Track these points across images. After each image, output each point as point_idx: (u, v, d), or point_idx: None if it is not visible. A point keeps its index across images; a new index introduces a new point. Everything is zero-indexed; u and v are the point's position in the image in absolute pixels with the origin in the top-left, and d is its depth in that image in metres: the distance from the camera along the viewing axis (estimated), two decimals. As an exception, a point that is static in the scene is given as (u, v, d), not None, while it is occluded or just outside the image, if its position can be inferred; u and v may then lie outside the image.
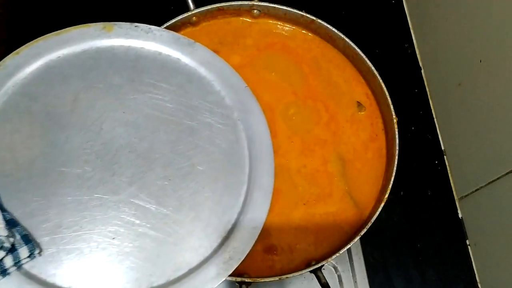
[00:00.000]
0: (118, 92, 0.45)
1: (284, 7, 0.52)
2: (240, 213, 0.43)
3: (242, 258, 0.41)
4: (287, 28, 0.55)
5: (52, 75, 0.45)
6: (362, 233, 0.46)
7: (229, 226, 0.42)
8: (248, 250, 0.42)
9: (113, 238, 0.40)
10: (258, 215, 0.43)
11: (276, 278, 0.44)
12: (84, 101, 0.44)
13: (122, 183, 0.42)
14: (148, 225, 0.41)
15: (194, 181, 0.43)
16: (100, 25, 0.47)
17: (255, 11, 0.53)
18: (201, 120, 0.46)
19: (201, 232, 0.42)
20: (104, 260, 0.39)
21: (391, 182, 0.48)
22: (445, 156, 0.64)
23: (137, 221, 0.41)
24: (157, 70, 0.47)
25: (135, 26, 0.48)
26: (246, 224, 0.43)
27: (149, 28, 0.48)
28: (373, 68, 0.51)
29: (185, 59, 0.48)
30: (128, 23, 0.48)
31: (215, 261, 0.41)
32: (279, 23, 0.55)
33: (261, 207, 0.44)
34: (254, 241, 0.42)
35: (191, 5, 0.51)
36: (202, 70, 0.48)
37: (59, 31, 0.46)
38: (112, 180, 0.42)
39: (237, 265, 0.41)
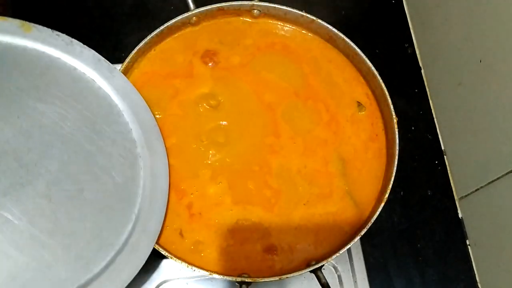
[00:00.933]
0: (18, 95, 0.41)
1: (284, 7, 0.52)
2: (117, 253, 0.41)
3: None
4: (287, 28, 0.55)
5: None
6: (362, 233, 0.46)
7: (103, 264, 0.40)
8: None
9: None
10: (135, 261, 0.41)
11: (276, 278, 0.44)
12: None
13: None
14: (12, 244, 0.37)
15: (77, 208, 0.40)
16: (17, 22, 0.43)
17: (255, 11, 0.53)
18: (102, 147, 0.43)
19: (71, 264, 0.38)
20: None
21: (391, 182, 0.48)
22: (445, 156, 0.64)
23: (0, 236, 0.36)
24: (67, 84, 0.44)
25: (56, 35, 0.45)
26: (120, 267, 0.40)
27: (71, 41, 0.45)
28: (373, 68, 0.51)
29: (101, 82, 0.46)
30: (49, 29, 0.45)
31: None
32: (279, 23, 0.55)
33: (141, 253, 0.41)
34: None
35: (191, 5, 0.51)
36: (115, 98, 0.46)
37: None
38: None
39: None
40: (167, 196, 0.45)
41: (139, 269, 0.41)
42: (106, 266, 0.40)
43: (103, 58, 0.47)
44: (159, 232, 0.44)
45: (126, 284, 0.40)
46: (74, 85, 0.44)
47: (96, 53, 0.47)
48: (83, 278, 0.38)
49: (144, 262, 0.42)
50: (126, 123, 0.45)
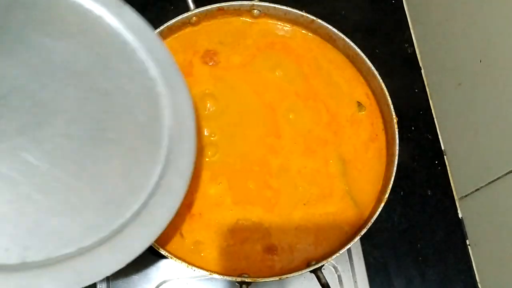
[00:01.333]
0: (22, 28, 0.37)
1: (284, 7, 0.52)
2: (150, 196, 0.38)
3: (140, 251, 0.35)
4: (287, 28, 0.55)
5: None
6: (362, 233, 0.46)
7: (135, 208, 0.37)
8: (147, 246, 0.36)
9: None
10: (170, 203, 0.38)
11: (276, 278, 0.44)
12: None
13: (10, 130, 0.33)
14: (34, 186, 0.33)
15: (101, 148, 0.37)
16: None
17: (255, 11, 0.53)
18: (119, 85, 0.39)
19: (100, 208, 0.35)
20: None
21: (391, 182, 0.48)
22: (445, 156, 0.64)
23: (20, 178, 0.32)
24: (74, 21, 0.40)
25: None
26: (154, 211, 0.37)
27: None
28: (373, 68, 0.51)
29: (110, 19, 0.42)
30: None
31: (110, 247, 0.34)
32: (279, 23, 0.55)
33: (175, 194, 0.39)
34: (158, 234, 0.37)
35: (191, 5, 0.51)
36: (127, 35, 0.42)
37: None
38: None
39: (131, 260, 0.35)
40: (195, 135, 0.42)
41: (175, 212, 0.38)
42: (139, 210, 0.37)
43: None
44: (191, 173, 0.41)
45: (162, 229, 0.37)
46: (81, 22, 0.40)
47: None
48: (115, 223, 0.35)
49: (179, 204, 0.39)
50: (142, 61, 0.42)
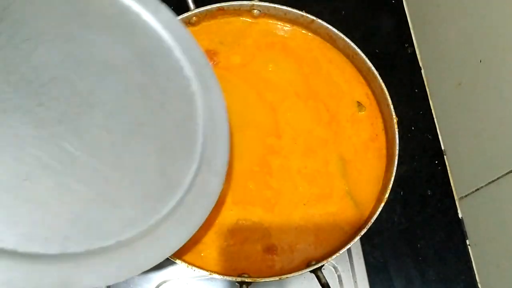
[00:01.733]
0: (62, 17, 0.37)
1: (284, 7, 0.52)
2: (186, 193, 0.38)
3: (176, 248, 0.35)
4: (287, 28, 0.55)
5: None
6: (362, 233, 0.46)
7: (171, 205, 0.37)
8: (183, 243, 0.36)
9: (25, 179, 0.30)
10: (205, 202, 0.39)
11: (276, 278, 0.44)
12: (16, 14, 0.34)
13: (49, 118, 0.33)
14: (73, 176, 0.32)
15: (139, 142, 0.37)
16: None
17: (255, 11, 0.53)
18: (156, 82, 0.40)
19: (138, 203, 0.35)
20: (7, 204, 0.29)
21: (391, 182, 0.48)
22: (445, 156, 0.64)
23: (60, 168, 0.32)
24: (112, 15, 0.40)
25: None
26: (190, 209, 0.37)
27: None
28: (373, 68, 0.51)
29: (147, 16, 0.42)
30: None
31: (148, 242, 0.34)
32: (279, 23, 0.55)
33: (210, 192, 0.39)
34: (194, 232, 0.37)
35: (191, 5, 0.51)
36: (163, 33, 0.42)
37: None
38: (36, 111, 0.32)
39: (167, 256, 0.35)
40: (229, 136, 0.43)
41: (210, 210, 0.39)
42: (175, 207, 0.37)
43: None
44: (225, 172, 0.41)
45: (198, 227, 0.38)
46: (119, 17, 0.40)
47: None
48: (153, 219, 0.35)
49: (214, 203, 0.39)
50: (177, 60, 0.42)
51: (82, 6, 0.38)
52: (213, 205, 0.40)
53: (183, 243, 0.37)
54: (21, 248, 0.29)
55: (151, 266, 0.34)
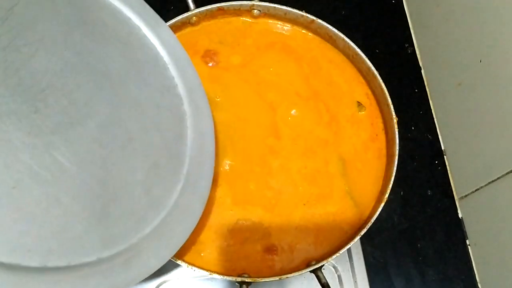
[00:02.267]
0: (65, 24, 0.36)
1: (284, 7, 0.52)
2: (169, 214, 0.38)
3: (156, 268, 0.35)
4: (287, 28, 0.55)
5: None
6: (362, 233, 0.46)
7: (154, 224, 0.36)
8: (162, 264, 0.36)
9: (14, 187, 0.29)
10: (188, 222, 0.39)
11: (276, 278, 0.44)
12: (20, 17, 0.33)
13: (44, 127, 0.32)
14: (63, 188, 0.32)
15: (128, 158, 0.36)
16: None
17: (255, 11, 0.53)
18: (149, 97, 0.40)
19: (122, 220, 0.35)
20: None
21: (391, 182, 0.48)
22: (445, 156, 0.64)
23: (50, 178, 0.31)
24: (113, 26, 0.40)
25: None
26: (172, 229, 0.37)
27: None
28: (373, 68, 0.51)
29: (146, 31, 0.42)
30: None
31: (127, 261, 0.34)
32: (279, 23, 0.55)
33: (192, 214, 0.40)
34: (174, 253, 0.37)
35: (191, 5, 0.51)
36: (161, 49, 0.43)
37: None
38: (31, 117, 0.32)
39: (145, 277, 0.34)
40: (214, 159, 0.43)
41: (191, 232, 0.39)
42: (158, 227, 0.37)
43: (149, 6, 0.44)
44: (207, 195, 0.41)
45: (178, 248, 0.38)
46: (120, 28, 0.40)
47: (143, 1, 0.43)
48: (135, 237, 0.35)
49: (195, 225, 0.39)
50: (172, 78, 0.42)
51: (85, 13, 0.39)
52: (194, 227, 0.40)
53: (162, 264, 0.36)
54: (2, 258, 0.28)
55: (129, 286, 0.33)
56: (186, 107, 0.42)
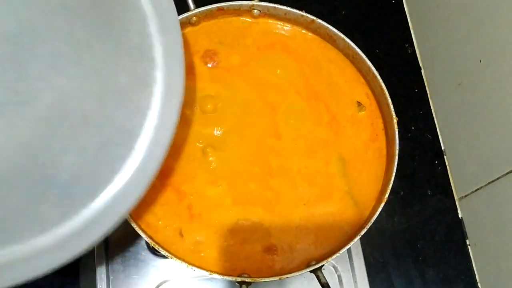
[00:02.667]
0: None
1: (284, 7, 0.52)
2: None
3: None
4: (287, 28, 0.55)
5: None
6: (362, 233, 0.46)
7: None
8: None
9: None
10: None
11: (276, 278, 0.44)
12: None
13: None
14: None
15: (76, 140, 0.34)
16: None
17: (255, 11, 0.53)
18: (116, 60, 0.36)
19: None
20: None
21: (391, 182, 0.48)
22: (445, 156, 0.64)
23: None
24: None
25: None
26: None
27: None
28: (373, 68, 0.51)
29: None
30: None
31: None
32: (279, 23, 0.55)
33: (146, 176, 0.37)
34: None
35: (191, 5, 0.51)
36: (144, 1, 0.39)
37: None
38: None
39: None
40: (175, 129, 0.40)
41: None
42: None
43: None
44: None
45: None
46: None
47: None
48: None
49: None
50: (149, 35, 0.39)
51: None
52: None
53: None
54: None
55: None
56: (157, 73, 0.38)
